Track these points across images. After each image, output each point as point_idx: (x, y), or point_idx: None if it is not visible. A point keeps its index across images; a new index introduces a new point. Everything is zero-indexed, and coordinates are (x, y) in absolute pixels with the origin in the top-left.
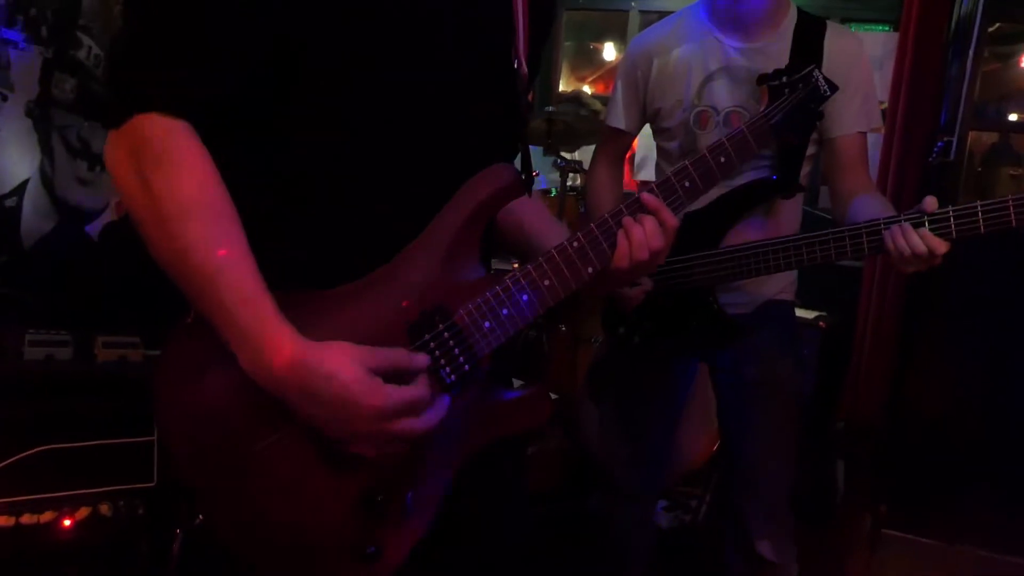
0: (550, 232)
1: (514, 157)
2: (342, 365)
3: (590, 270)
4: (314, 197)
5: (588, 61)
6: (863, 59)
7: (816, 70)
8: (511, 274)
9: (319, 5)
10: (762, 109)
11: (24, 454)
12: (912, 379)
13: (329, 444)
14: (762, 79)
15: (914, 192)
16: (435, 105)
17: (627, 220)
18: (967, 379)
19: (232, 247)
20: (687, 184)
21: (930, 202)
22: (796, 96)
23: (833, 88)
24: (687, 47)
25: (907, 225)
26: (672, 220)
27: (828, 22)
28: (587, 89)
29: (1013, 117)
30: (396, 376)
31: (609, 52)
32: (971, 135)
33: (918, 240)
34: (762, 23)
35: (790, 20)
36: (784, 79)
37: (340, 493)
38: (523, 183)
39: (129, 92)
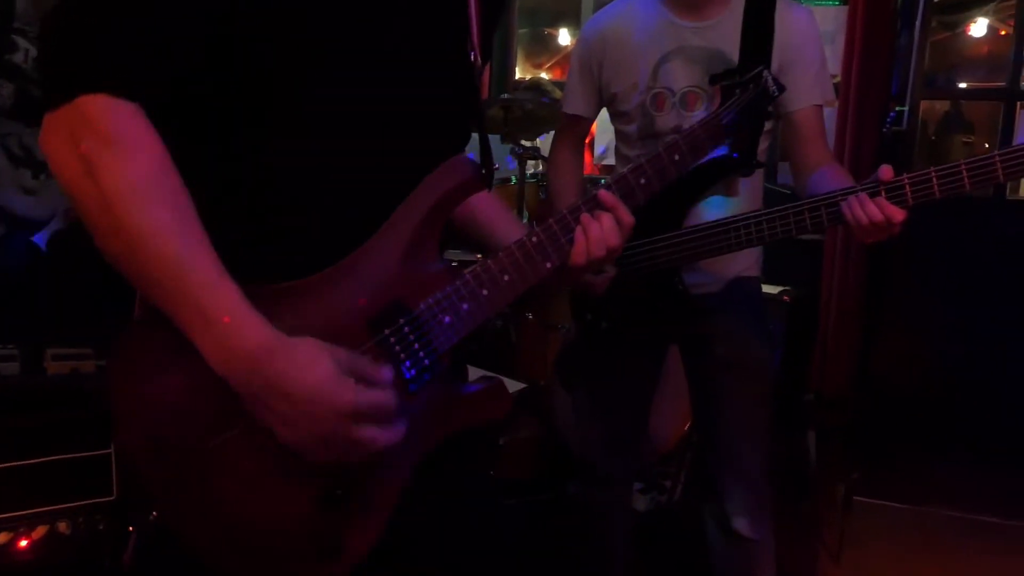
0: (502, 222)
1: (465, 146)
2: (314, 358)
3: (548, 265)
4: (267, 190)
5: (543, 47)
6: (814, 32)
7: (765, 70)
8: (471, 269)
9: None
10: (714, 109)
11: None
12: (879, 348)
13: (278, 452)
14: (714, 79)
15: (870, 162)
16: (390, 97)
17: (585, 217)
18: (933, 346)
19: (190, 233)
20: (642, 181)
21: (885, 171)
22: (747, 96)
23: (781, 88)
24: (640, 29)
25: (863, 195)
26: (628, 218)
27: None
28: (544, 75)
29: (963, 85)
30: (364, 380)
31: (564, 37)
32: (923, 104)
33: (875, 209)
34: (712, 1)
35: None
36: (736, 79)
37: (300, 489)
38: (483, 177)
39: (70, 70)
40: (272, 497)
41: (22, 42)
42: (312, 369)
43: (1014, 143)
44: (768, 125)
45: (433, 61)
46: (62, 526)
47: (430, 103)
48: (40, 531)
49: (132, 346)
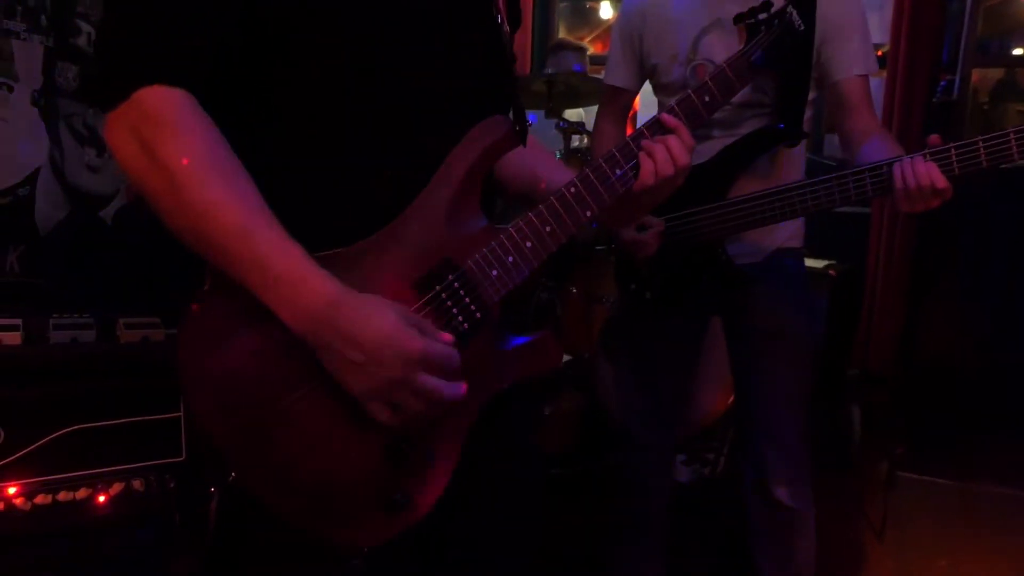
0: (556, 170)
1: (507, 110)
2: (382, 309)
3: (588, 214)
4: (309, 157)
5: (584, 20)
6: (858, 2)
7: (789, 6)
8: (514, 223)
9: None
10: (740, 48)
11: (56, 434)
12: (924, 323)
13: (350, 402)
14: (738, 18)
15: (918, 133)
16: (426, 62)
17: (646, 142)
18: (978, 322)
19: (253, 202)
20: (707, 99)
21: (934, 139)
22: (772, 33)
23: (809, 24)
24: (680, 1)
25: (916, 156)
26: (690, 139)
27: None
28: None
29: (1018, 52)
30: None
31: (605, 10)
32: (977, 72)
33: (924, 171)
34: None
35: None
36: (760, 16)
37: (366, 444)
38: (518, 133)
39: (122, 70)
40: (342, 452)
41: (85, 26)
42: (380, 318)
43: None
44: (812, 94)
45: (464, 26)
46: (136, 483)
47: (463, 70)
48: (116, 488)
49: (198, 316)
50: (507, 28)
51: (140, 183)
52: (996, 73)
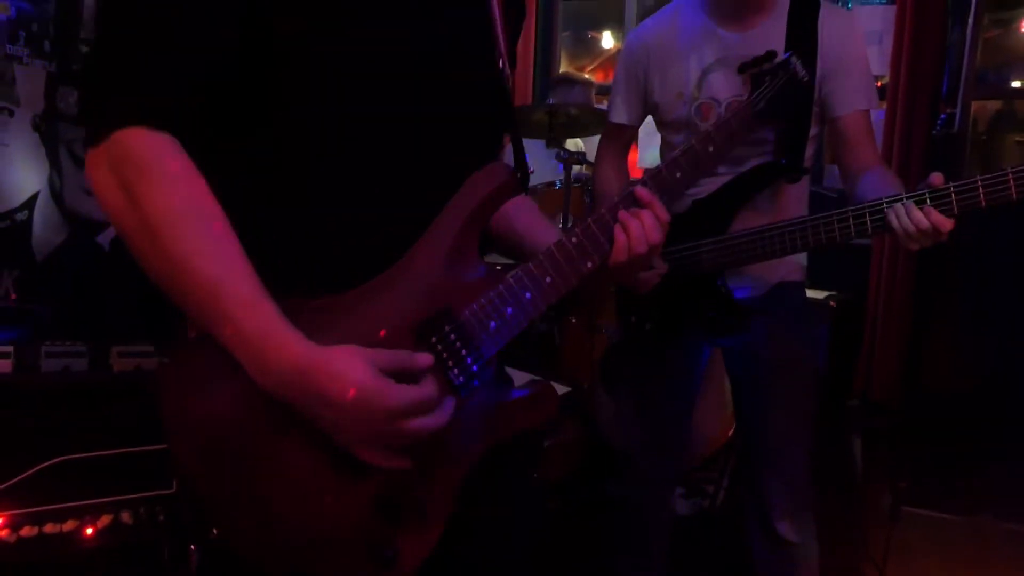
0: (539, 227)
1: (500, 152)
2: (351, 365)
3: (589, 265)
4: (307, 203)
5: (586, 50)
6: (858, 37)
7: (793, 57)
8: (513, 273)
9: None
10: (746, 97)
11: (44, 465)
12: (925, 354)
13: (337, 448)
14: (743, 68)
15: (920, 166)
16: (426, 107)
17: (623, 214)
18: (980, 352)
19: (228, 255)
20: (678, 175)
21: (936, 177)
22: (776, 83)
23: (811, 74)
24: (684, 39)
25: (910, 203)
26: (665, 215)
27: (822, 2)
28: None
29: (1016, 84)
30: (402, 377)
31: (607, 40)
32: (975, 103)
33: (921, 216)
34: (756, 8)
35: (783, 3)
36: (764, 67)
37: (356, 497)
38: (518, 181)
39: (108, 107)
40: (329, 504)
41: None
42: (350, 377)
43: None
44: (814, 131)
45: (464, 73)
46: (125, 516)
47: (463, 114)
48: (104, 520)
49: (183, 363)
50: (508, 71)
51: (117, 224)
52: (995, 104)
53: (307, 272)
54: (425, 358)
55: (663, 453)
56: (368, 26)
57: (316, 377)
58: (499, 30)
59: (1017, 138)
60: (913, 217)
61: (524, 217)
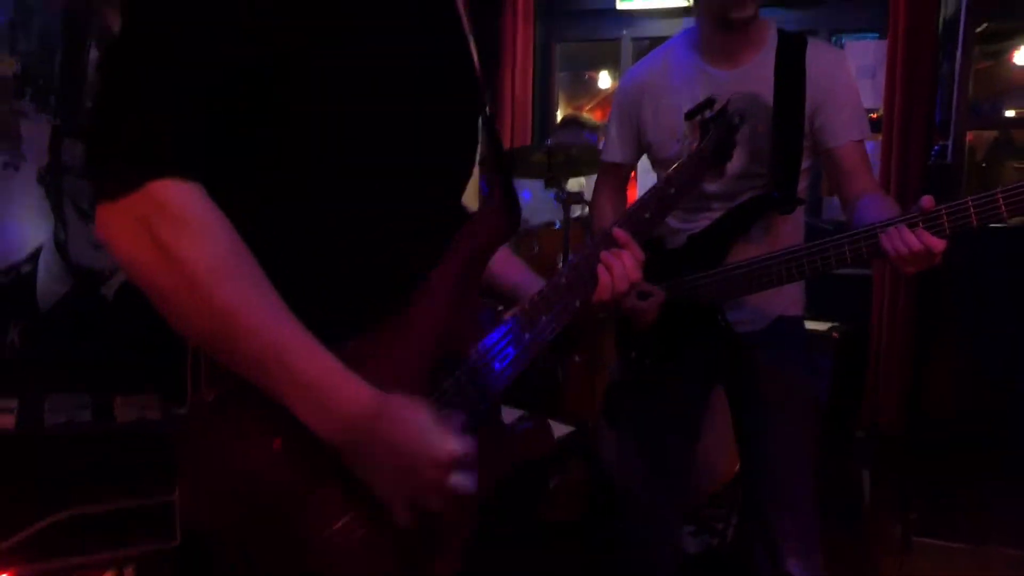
0: (514, 271)
1: (501, 197)
2: (415, 411)
3: (578, 303)
4: (316, 256)
5: (584, 90)
6: (846, 71)
7: (725, 106)
8: (513, 313)
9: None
10: (694, 146)
11: (47, 521)
12: (930, 383)
13: (372, 505)
14: (689, 115)
15: (916, 195)
16: (426, 161)
17: (605, 256)
18: (986, 379)
19: (276, 303)
20: (647, 215)
21: (927, 200)
22: (720, 130)
23: (742, 119)
24: (676, 80)
25: (902, 226)
26: (640, 254)
27: (809, 38)
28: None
29: (1010, 113)
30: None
31: (604, 80)
32: (972, 133)
33: (914, 239)
34: (744, 48)
35: (771, 40)
36: (706, 114)
37: (382, 543)
38: (513, 224)
39: (133, 158)
40: (356, 550)
41: None
42: (415, 421)
43: None
44: (806, 163)
45: (459, 122)
46: (128, 572)
47: (462, 165)
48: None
49: (206, 423)
50: (489, 111)
51: (149, 279)
52: (992, 133)
53: (316, 315)
54: (458, 419)
55: (667, 490)
56: (368, 43)
57: (383, 420)
58: (481, 80)
59: (1015, 165)
60: (906, 239)
61: (506, 266)
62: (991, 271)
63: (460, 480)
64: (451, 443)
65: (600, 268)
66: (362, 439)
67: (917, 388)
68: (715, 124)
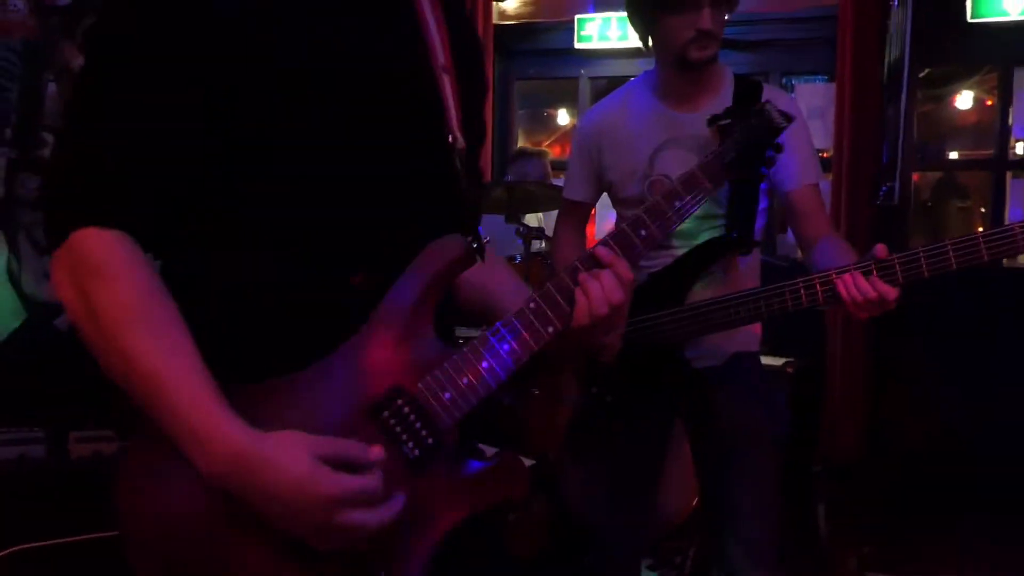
0: (513, 295)
1: (462, 227)
2: (287, 454)
3: (551, 330)
4: (257, 290)
5: (543, 127)
6: (800, 117)
7: (768, 104)
8: (469, 343)
9: (239, 105)
10: (714, 148)
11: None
12: (886, 416)
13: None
14: (712, 120)
15: (866, 233)
16: (372, 186)
17: (583, 276)
18: (941, 412)
19: (172, 350)
20: (643, 233)
21: (880, 249)
22: (747, 132)
23: (789, 119)
24: (635, 121)
25: (857, 273)
26: (628, 273)
27: (763, 84)
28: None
29: (953, 155)
30: (349, 467)
31: (563, 117)
32: (919, 174)
33: (868, 286)
34: (702, 92)
35: (728, 85)
36: (735, 116)
37: None
38: (474, 252)
39: (62, 211)
40: None
41: (49, 138)
42: (286, 468)
43: (1006, 211)
44: (763, 204)
45: (411, 146)
46: None
47: (414, 187)
48: None
49: (135, 460)
50: (461, 145)
51: (75, 322)
52: (936, 174)
53: (259, 358)
54: (375, 451)
55: (629, 525)
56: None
57: (253, 465)
58: (451, 106)
59: (959, 204)
60: (861, 287)
61: (496, 283)
62: (944, 305)
63: (357, 516)
64: (331, 484)
65: (577, 291)
66: (237, 485)
67: (872, 422)
68: (743, 125)
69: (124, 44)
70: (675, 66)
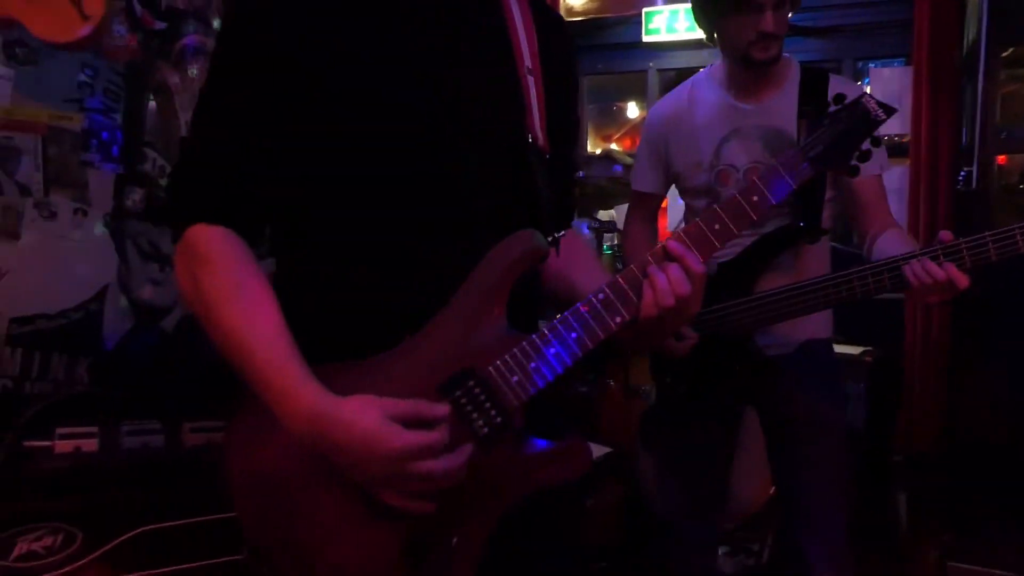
0: (592, 283)
1: (539, 224)
2: (359, 411)
3: (618, 319)
4: (345, 277)
5: (612, 120)
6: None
7: (867, 95)
8: (539, 331)
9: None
10: (800, 141)
11: (128, 535)
12: (966, 406)
13: (366, 494)
14: (803, 112)
15: (947, 220)
16: (453, 182)
17: (651, 269)
18: (1021, 400)
19: (265, 325)
20: (717, 227)
21: (945, 234)
22: (840, 124)
23: (890, 111)
24: (701, 112)
25: (925, 259)
26: (698, 266)
27: (831, 74)
28: (614, 147)
29: None
30: (419, 425)
31: (632, 110)
32: (1005, 156)
33: (938, 269)
34: (767, 83)
35: (794, 76)
36: (828, 109)
37: (386, 541)
38: (546, 247)
39: (176, 212)
40: (363, 545)
41: (151, 153)
42: (357, 422)
43: None
44: (829, 194)
45: (490, 146)
46: None
47: (492, 183)
48: None
49: (238, 426)
50: (543, 145)
51: (190, 305)
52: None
53: (347, 339)
54: (441, 408)
55: (702, 514)
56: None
57: (328, 424)
58: (534, 107)
59: None
60: (929, 269)
61: (576, 271)
62: (1021, 291)
63: (423, 466)
64: (399, 438)
65: (644, 283)
66: (315, 439)
67: (953, 411)
68: (832, 119)
69: (223, 75)
70: (739, 63)
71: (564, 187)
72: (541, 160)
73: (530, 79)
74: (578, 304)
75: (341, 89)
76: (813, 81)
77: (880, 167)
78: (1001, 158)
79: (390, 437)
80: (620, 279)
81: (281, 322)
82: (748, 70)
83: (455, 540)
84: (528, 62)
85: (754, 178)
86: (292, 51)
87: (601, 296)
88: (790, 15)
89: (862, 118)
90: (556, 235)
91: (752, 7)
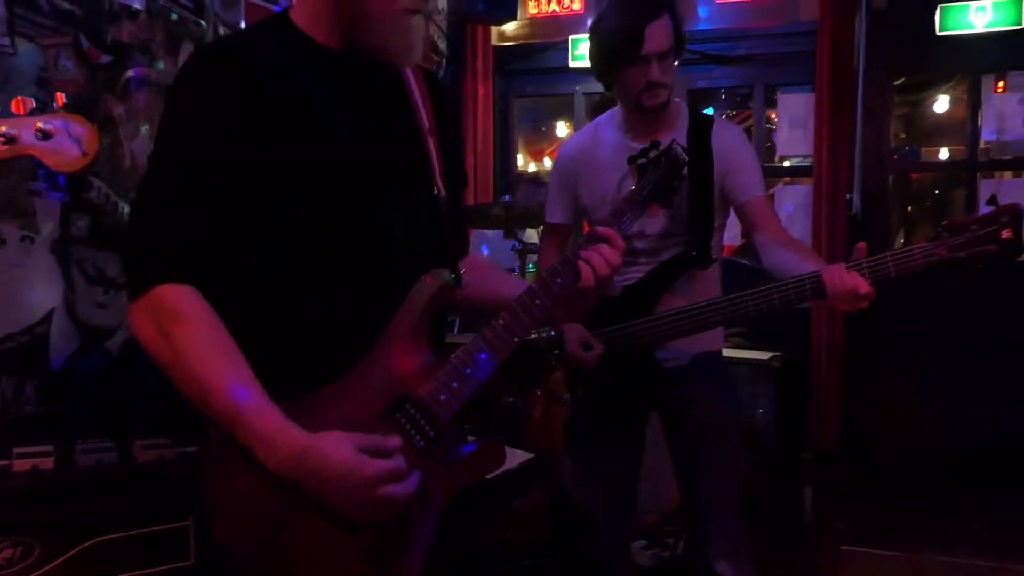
0: (510, 286)
1: (447, 260)
2: (336, 447)
3: (538, 303)
4: (293, 327)
5: (542, 137)
6: (746, 142)
7: (674, 143)
8: (456, 354)
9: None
10: (633, 185)
11: (82, 546)
12: (867, 406)
13: (336, 512)
14: (631, 159)
15: (844, 235)
16: (376, 235)
17: (584, 252)
18: (919, 400)
19: (240, 373)
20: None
21: (861, 247)
22: (660, 169)
23: (688, 155)
24: (604, 152)
25: (840, 265)
26: (621, 243)
27: (714, 118)
28: (548, 161)
29: (928, 156)
30: (378, 454)
31: (561, 129)
32: (894, 174)
33: (848, 279)
34: (659, 126)
35: (683, 120)
36: (649, 156)
37: (353, 549)
38: (454, 283)
39: (144, 270)
40: (334, 552)
41: (96, 181)
42: (336, 456)
43: (978, 209)
44: (718, 222)
45: (405, 204)
46: None
47: (407, 234)
48: None
49: (214, 458)
50: (443, 193)
51: (156, 358)
52: (913, 174)
53: (298, 375)
54: (394, 440)
55: (617, 513)
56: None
57: (312, 459)
58: (435, 163)
59: (929, 205)
60: (844, 278)
61: (493, 282)
62: (920, 296)
63: (391, 490)
64: (370, 466)
65: (580, 263)
66: (300, 474)
67: (854, 412)
68: (655, 164)
69: (183, 134)
70: (634, 109)
71: (459, 225)
72: (444, 207)
73: (430, 139)
74: (493, 322)
75: (283, 179)
76: (699, 124)
77: (763, 190)
78: (914, 173)
79: (362, 466)
80: (558, 265)
81: (252, 373)
82: (641, 115)
83: (406, 538)
84: (427, 123)
85: (607, 216)
86: (238, 143)
87: (502, 322)
88: (676, 64)
89: (675, 160)
90: (458, 265)
91: (640, 60)
